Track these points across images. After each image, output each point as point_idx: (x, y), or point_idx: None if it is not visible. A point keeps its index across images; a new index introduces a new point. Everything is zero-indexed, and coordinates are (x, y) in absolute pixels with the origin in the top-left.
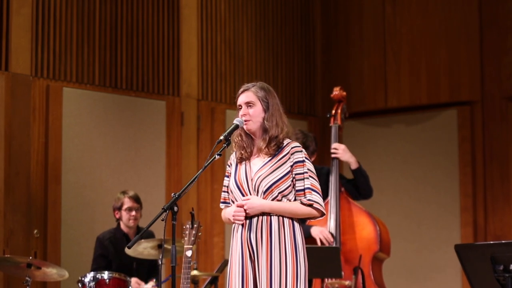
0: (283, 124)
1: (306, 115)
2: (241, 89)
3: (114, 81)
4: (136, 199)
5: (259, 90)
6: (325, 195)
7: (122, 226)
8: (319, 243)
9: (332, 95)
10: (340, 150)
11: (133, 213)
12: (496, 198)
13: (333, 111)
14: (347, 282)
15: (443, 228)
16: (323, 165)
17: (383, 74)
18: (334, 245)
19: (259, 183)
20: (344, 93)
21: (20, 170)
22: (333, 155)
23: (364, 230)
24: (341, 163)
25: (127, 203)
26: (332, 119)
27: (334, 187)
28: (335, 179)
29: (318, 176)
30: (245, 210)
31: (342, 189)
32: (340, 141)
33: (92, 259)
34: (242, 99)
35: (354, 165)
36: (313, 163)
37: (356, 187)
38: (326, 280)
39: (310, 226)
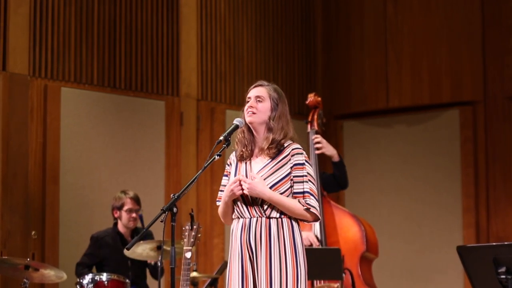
0: (288, 131)
1: (307, 115)
2: (255, 84)
3: (112, 81)
4: (137, 200)
5: (272, 90)
6: None
7: (120, 226)
8: None
9: (307, 102)
10: (324, 143)
11: (134, 214)
12: (499, 199)
13: (310, 118)
14: (336, 285)
15: (445, 229)
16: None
17: (385, 74)
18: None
19: None
20: (319, 99)
21: (17, 171)
22: (317, 151)
23: (349, 231)
24: (321, 165)
25: (129, 204)
26: (309, 125)
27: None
28: (317, 183)
29: None
30: (240, 182)
31: (325, 193)
32: (331, 143)
33: (83, 253)
34: (253, 92)
35: (337, 158)
36: None
37: (335, 178)
38: (315, 283)
39: None
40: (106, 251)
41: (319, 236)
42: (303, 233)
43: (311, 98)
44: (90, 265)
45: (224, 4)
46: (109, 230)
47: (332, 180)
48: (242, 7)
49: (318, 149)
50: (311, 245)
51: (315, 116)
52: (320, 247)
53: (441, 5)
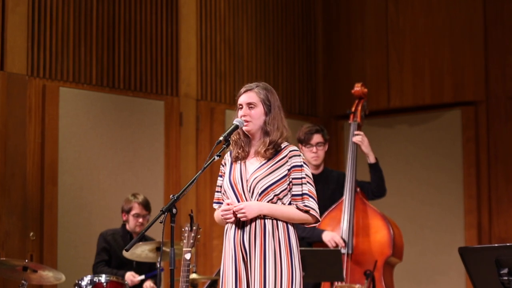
0: (283, 128)
1: (307, 115)
2: (243, 89)
3: (111, 80)
4: (145, 205)
5: (262, 91)
6: (338, 198)
7: (128, 227)
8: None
9: (353, 91)
10: (365, 140)
11: (140, 220)
12: (501, 200)
13: (353, 108)
14: (357, 286)
15: (447, 231)
16: (342, 165)
17: (386, 73)
18: (345, 250)
19: (255, 185)
20: (366, 90)
21: (16, 171)
22: (355, 139)
23: (378, 233)
24: (358, 164)
25: (136, 208)
26: (351, 116)
27: (349, 187)
28: (351, 179)
29: (328, 179)
30: (234, 212)
31: (358, 189)
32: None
33: (96, 254)
34: (243, 99)
35: (372, 159)
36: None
37: (369, 186)
38: (335, 283)
39: (322, 231)
40: (114, 247)
41: (346, 234)
42: (329, 233)
43: (357, 87)
44: (107, 260)
45: (224, 3)
46: (118, 229)
47: (365, 187)
48: (242, 6)
49: (357, 138)
50: (337, 246)
51: (359, 107)
52: (346, 249)
53: (443, 4)
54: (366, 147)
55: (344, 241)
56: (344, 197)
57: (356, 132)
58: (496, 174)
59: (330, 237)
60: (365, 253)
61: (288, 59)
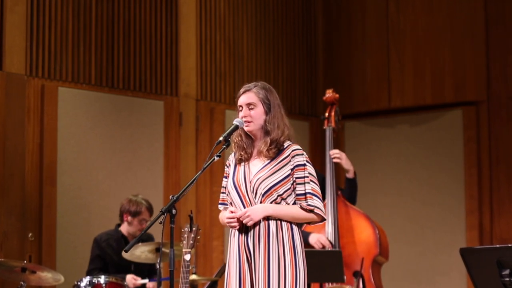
0: (284, 126)
1: (308, 115)
2: (242, 90)
3: (110, 80)
4: (151, 211)
5: (260, 91)
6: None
7: (124, 229)
8: None
9: (324, 98)
10: (343, 156)
11: (144, 225)
12: (502, 200)
13: (326, 114)
14: (347, 287)
15: (448, 231)
16: (322, 168)
17: (387, 73)
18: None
19: (258, 185)
20: (337, 96)
21: (14, 172)
22: (334, 160)
23: (363, 233)
24: (337, 168)
25: (145, 214)
26: (325, 122)
27: (331, 190)
28: (331, 182)
29: None
30: (239, 218)
31: (339, 192)
32: (335, 143)
33: (89, 260)
34: (243, 100)
35: (351, 174)
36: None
37: (343, 192)
38: (326, 284)
39: (308, 234)
40: (109, 253)
41: (331, 236)
42: (315, 235)
43: (329, 94)
44: (101, 268)
45: (224, 3)
46: (112, 232)
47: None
48: (242, 6)
49: (335, 157)
50: (324, 247)
51: (332, 113)
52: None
53: (444, 4)
54: (345, 163)
55: (330, 242)
56: (326, 200)
57: (331, 152)
58: (498, 175)
59: (316, 239)
60: (352, 254)
61: (289, 59)
